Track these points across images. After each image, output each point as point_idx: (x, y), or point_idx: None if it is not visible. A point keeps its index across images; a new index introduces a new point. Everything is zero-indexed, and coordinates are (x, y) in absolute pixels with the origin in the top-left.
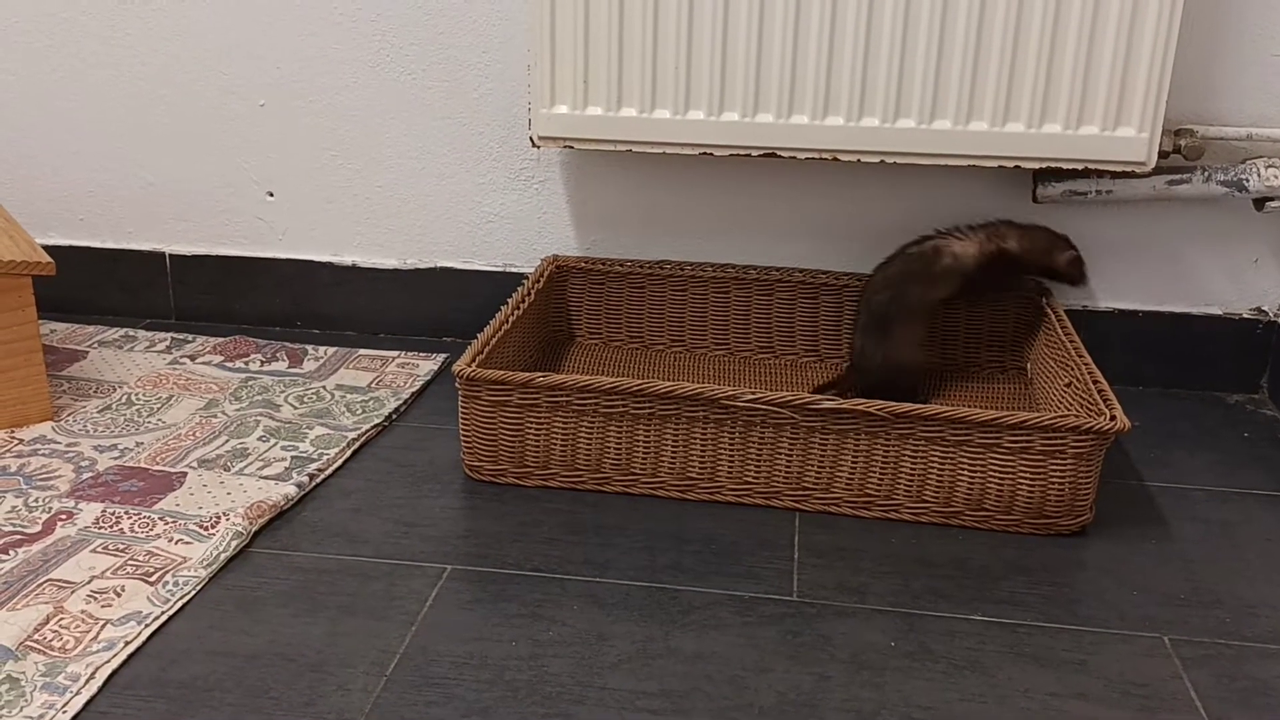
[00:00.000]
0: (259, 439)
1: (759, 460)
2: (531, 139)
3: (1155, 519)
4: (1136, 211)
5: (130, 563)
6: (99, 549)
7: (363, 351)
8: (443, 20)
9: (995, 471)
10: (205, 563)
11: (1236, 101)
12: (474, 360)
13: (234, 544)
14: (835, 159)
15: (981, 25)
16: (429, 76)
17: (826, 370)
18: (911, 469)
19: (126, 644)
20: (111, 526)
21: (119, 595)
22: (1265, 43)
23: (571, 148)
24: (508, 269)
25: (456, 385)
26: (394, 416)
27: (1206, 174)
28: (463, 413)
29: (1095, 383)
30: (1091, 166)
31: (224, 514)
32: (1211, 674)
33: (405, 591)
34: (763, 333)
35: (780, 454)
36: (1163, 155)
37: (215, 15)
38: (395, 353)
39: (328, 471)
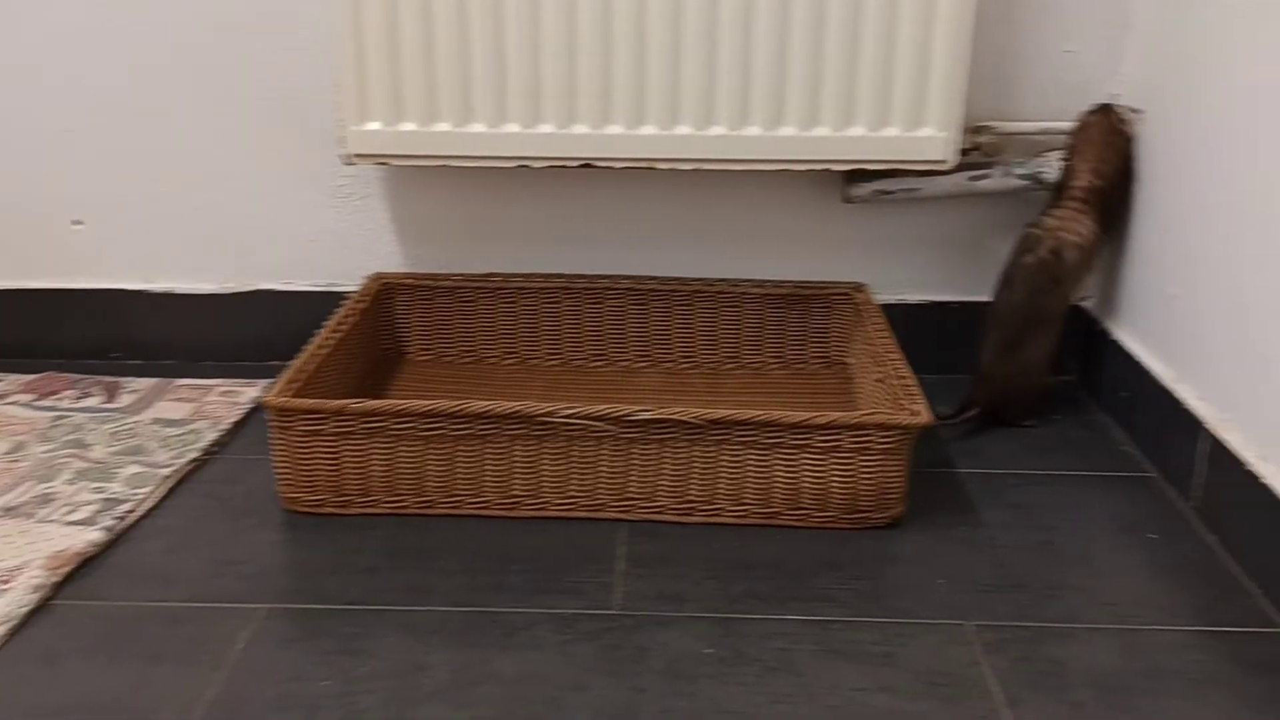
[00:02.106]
0: (67, 482)
1: (583, 474)
2: (345, 157)
3: (966, 506)
4: (943, 207)
5: None
6: None
7: (182, 381)
8: (257, 38)
9: (809, 471)
10: (3, 619)
11: (1032, 98)
12: (287, 388)
13: (33, 597)
14: (652, 167)
15: (783, 33)
16: (241, 93)
17: (659, 375)
18: (731, 473)
19: None
20: None
21: None
22: (1056, 40)
23: (387, 164)
24: (332, 288)
25: (266, 417)
26: (213, 449)
27: (1006, 169)
28: (276, 444)
29: (901, 378)
30: (896, 166)
31: (24, 566)
32: (1010, 658)
33: (217, 634)
34: (595, 341)
35: (603, 466)
36: (964, 152)
37: (17, 33)
38: (217, 381)
39: (139, 512)
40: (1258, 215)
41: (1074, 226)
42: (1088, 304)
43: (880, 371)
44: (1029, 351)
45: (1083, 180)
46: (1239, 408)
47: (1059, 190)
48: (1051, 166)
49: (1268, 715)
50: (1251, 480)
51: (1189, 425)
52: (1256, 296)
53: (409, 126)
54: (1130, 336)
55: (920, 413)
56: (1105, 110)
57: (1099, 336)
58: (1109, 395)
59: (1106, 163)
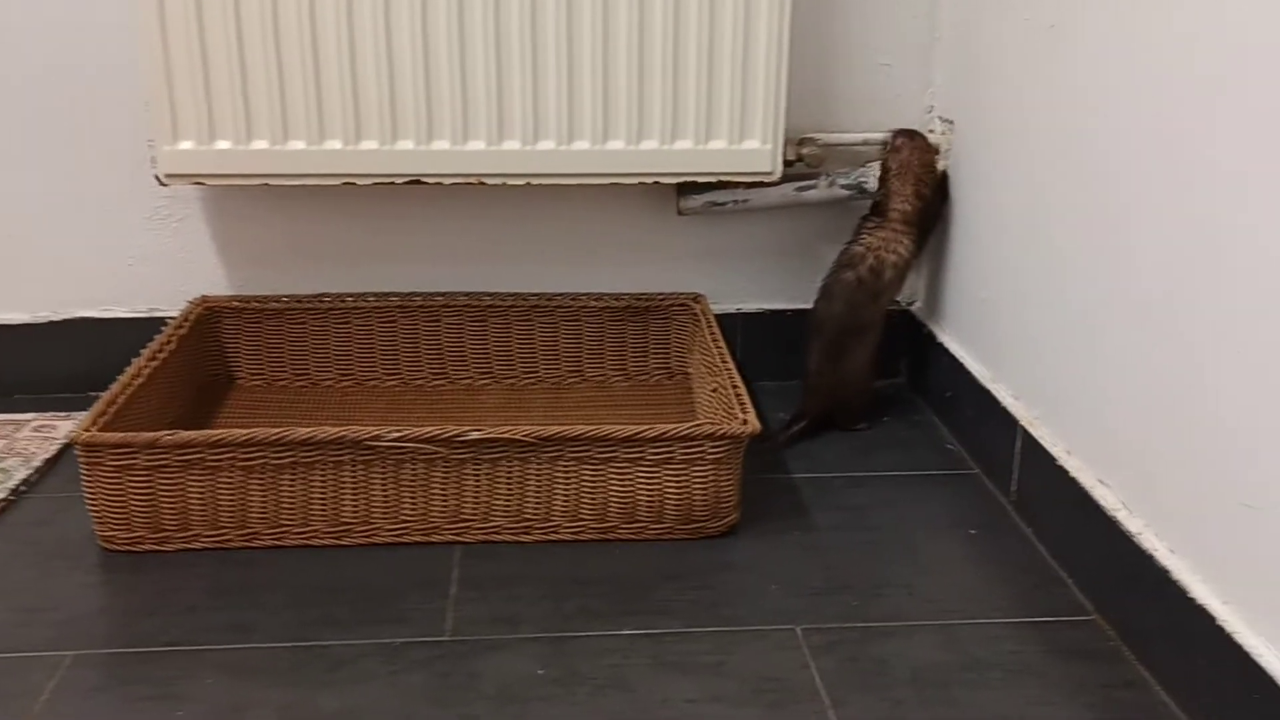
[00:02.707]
0: None
1: (414, 497)
2: (157, 177)
3: (798, 510)
4: (773, 217)
5: None
6: None
7: None
8: (64, 53)
9: (643, 483)
10: None
11: (851, 109)
12: (96, 422)
13: None
14: (481, 183)
15: (607, 48)
16: (47, 112)
17: (502, 391)
18: (565, 489)
19: None
20: None
21: None
22: (872, 53)
23: (203, 184)
24: (153, 314)
25: (75, 452)
26: (23, 488)
27: (830, 179)
28: (86, 480)
29: (734, 388)
30: (725, 178)
31: None
32: (837, 659)
33: (19, 688)
34: (434, 359)
35: (434, 489)
36: (789, 164)
37: None
38: (31, 415)
39: None
40: (1033, 218)
41: (894, 246)
42: (915, 308)
43: (715, 381)
44: (852, 359)
45: (905, 204)
46: (1045, 404)
47: (878, 209)
48: (873, 176)
49: (1079, 700)
50: (1061, 474)
51: (1005, 422)
52: (1044, 299)
53: (224, 145)
54: (952, 339)
55: (750, 422)
56: (914, 133)
57: (926, 339)
58: (935, 396)
59: (925, 184)
